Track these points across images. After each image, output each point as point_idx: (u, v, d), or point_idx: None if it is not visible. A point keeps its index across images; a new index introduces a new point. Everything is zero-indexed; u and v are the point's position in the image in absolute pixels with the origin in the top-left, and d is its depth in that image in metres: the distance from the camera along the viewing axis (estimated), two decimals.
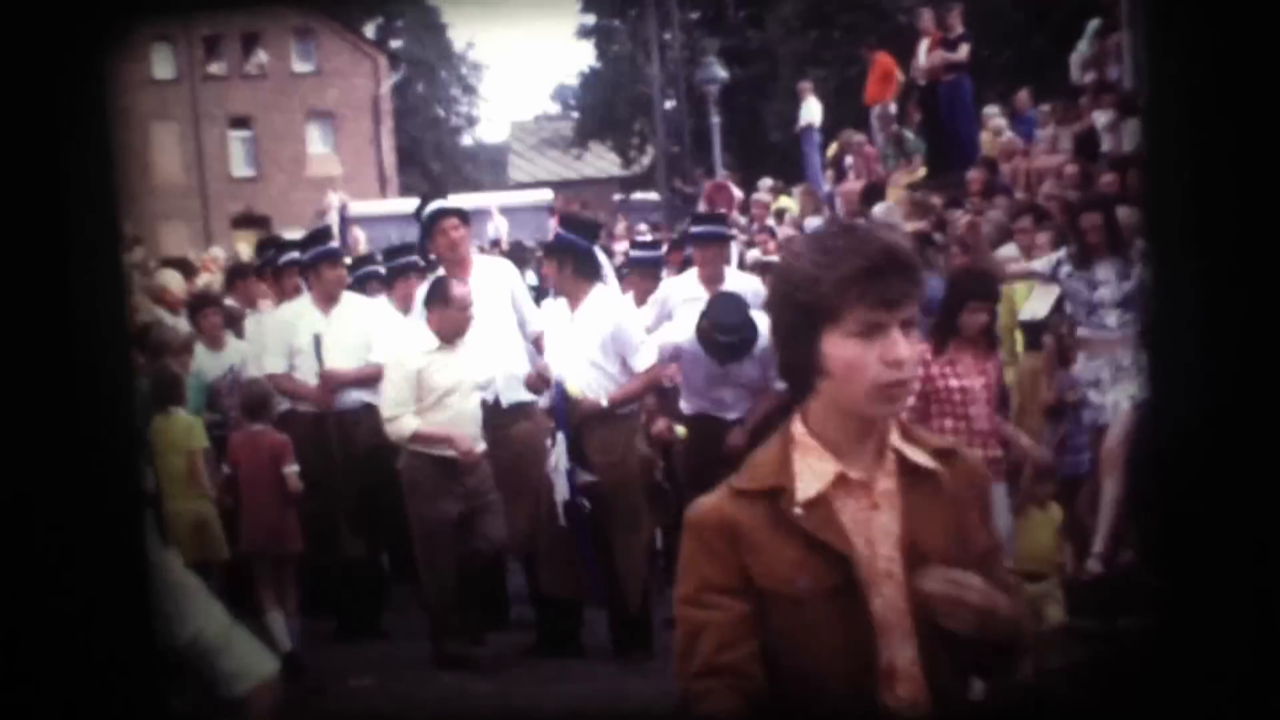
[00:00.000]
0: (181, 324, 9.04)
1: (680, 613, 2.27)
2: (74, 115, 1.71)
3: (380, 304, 8.86)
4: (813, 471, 2.23)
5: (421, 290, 7.81)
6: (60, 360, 1.72)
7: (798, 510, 2.20)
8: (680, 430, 7.63)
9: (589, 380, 7.07)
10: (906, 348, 2.17)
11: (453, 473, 7.08)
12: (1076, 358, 7.52)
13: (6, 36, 1.70)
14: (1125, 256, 7.29)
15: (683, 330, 7.46)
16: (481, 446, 7.19)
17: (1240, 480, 1.66)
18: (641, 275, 8.54)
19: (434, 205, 7.87)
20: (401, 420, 7.10)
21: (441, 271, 7.77)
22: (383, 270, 9.81)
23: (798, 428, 2.28)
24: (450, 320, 7.15)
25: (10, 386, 1.73)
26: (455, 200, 8.43)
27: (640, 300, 8.19)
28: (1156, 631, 1.74)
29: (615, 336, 7.07)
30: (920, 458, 2.27)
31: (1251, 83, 1.60)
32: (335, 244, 9.01)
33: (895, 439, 2.28)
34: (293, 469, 7.23)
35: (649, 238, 16.13)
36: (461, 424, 7.13)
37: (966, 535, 2.27)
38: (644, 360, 7.11)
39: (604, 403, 7.02)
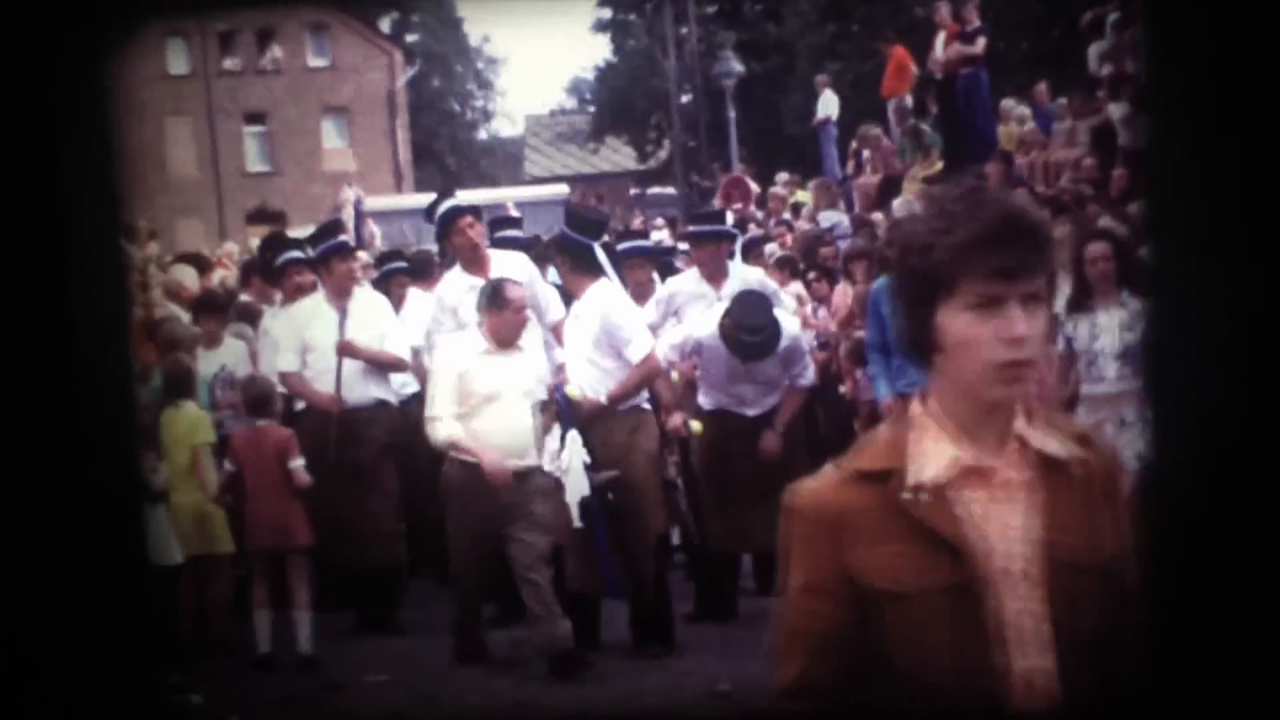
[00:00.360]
0: None
1: (781, 602, 2.11)
2: (75, 115, 1.71)
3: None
4: (929, 455, 2.04)
5: (443, 287, 7.81)
6: (60, 359, 1.72)
7: (908, 495, 2.02)
8: (695, 426, 7.59)
9: (587, 377, 7.01)
10: (1026, 325, 1.97)
11: (486, 484, 6.73)
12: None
13: (7, 35, 1.70)
14: (1132, 299, 6.68)
15: (701, 326, 7.45)
16: (519, 462, 6.80)
17: (1243, 487, 1.64)
18: (631, 266, 8.38)
19: (448, 204, 7.80)
20: (440, 424, 6.83)
21: (458, 267, 7.79)
22: (409, 265, 9.70)
23: (916, 408, 2.10)
24: (507, 324, 6.85)
25: (10, 384, 1.73)
26: (469, 197, 8.40)
27: (635, 291, 8.00)
28: (1157, 631, 1.72)
29: (606, 330, 7.00)
30: (1051, 446, 2.07)
31: (1252, 82, 1.58)
32: (345, 237, 8.97)
33: (1021, 425, 2.07)
34: (299, 463, 7.16)
35: (663, 227, 16.12)
36: (502, 435, 6.77)
37: (1099, 536, 2.05)
38: (637, 352, 6.99)
39: (603, 400, 6.99)
